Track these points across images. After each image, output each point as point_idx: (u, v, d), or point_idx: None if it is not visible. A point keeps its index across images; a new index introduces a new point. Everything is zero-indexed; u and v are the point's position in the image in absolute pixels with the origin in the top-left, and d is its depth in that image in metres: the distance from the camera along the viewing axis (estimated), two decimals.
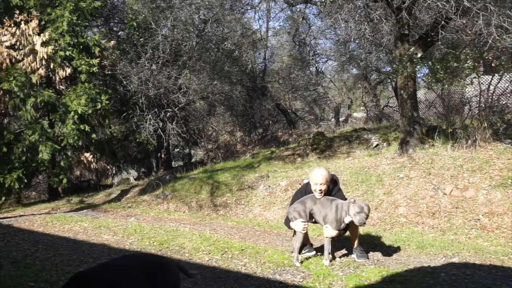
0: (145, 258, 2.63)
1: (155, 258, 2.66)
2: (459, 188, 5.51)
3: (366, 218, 3.63)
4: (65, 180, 8.66)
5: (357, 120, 15.50)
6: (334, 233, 3.79)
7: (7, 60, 8.64)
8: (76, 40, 9.15)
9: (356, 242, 4.04)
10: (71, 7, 9.03)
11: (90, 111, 8.60)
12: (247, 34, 13.65)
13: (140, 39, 11.06)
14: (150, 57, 11.02)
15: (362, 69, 13.11)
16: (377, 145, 8.16)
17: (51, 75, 9.30)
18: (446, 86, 6.99)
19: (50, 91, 8.78)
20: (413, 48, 6.85)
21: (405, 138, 6.97)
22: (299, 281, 3.46)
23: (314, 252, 4.17)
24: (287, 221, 4.04)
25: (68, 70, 9.10)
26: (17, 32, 8.87)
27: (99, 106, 8.84)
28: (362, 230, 5.12)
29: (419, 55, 6.79)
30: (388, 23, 7.32)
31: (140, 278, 2.30)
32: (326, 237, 3.83)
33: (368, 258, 3.98)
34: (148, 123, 10.71)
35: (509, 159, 5.73)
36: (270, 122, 15.96)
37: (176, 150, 16.56)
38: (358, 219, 3.62)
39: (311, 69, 14.92)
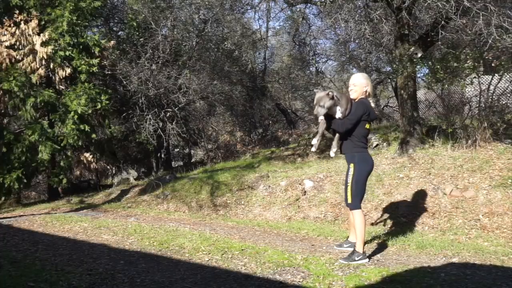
0: None
1: None
2: (459, 188, 5.51)
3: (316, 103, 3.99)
4: (65, 180, 8.67)
5: None
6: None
7: (7, 60, 8.65)
8: (76, 40, 9.16)
9: (353, 237, 4.06)
10: (71, 7, 9.03)
11: (90, 111, 8.61)
12: (247, 34, 13.66)
13: (140, 39, 11.06)
14: (150, 57, 11.02)
15: (362, 69, 13.06)
16: (377, 145, 8.14)
17: (51, 75, 9.31)
18: (446, 86, 6.99)
19: (50, 91, 8.78)
20: (413, 48, 6.85)
21: (405, 138, 6.96)
22: (299, 281, 3.46)
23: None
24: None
25: (68, 70, 9.11)
26: (17, 32, 8.87)
27: (99, 106, 8.84)
28: None
29: (419, 55, 6.78)
30: (388, 23, 7.31)
31: None
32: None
33: (350, 262, 3.81)
34: (148, 123, 10.71)
35: (509, 159, 5.73)
36: (270, 122, 15.97)
37: (176, 150, 16.55)
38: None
39: (311, 69, 14.90)
